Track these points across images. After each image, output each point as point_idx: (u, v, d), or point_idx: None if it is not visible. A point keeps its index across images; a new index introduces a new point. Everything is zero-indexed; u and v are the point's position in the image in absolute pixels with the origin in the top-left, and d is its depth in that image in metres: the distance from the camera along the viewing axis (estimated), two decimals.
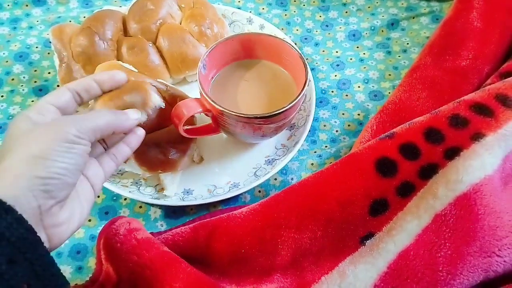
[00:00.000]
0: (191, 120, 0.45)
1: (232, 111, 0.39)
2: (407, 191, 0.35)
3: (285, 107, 0.39)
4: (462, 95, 0.44)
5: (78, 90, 0.34)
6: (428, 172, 0.35)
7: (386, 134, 0.37)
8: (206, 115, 0.43)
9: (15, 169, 0.27)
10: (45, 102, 0.31)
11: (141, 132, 0.37)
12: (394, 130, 0.37)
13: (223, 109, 0.40)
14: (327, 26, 0.58)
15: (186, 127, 0.42)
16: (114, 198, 0.44)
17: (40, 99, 0.32)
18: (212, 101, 0.40)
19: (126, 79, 0.38)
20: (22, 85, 0.51)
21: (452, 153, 0.35)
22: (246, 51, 0.46)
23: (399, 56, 0.55)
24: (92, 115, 0.32)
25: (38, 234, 0.26)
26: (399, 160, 0.35)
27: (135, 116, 0.36)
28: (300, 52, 0.44)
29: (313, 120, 0.47)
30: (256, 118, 0.40)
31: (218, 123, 0.43)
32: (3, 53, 0.54)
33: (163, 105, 0.41)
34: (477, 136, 0.35)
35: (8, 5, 0.59)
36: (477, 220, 0.32)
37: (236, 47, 0.45)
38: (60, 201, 0.28)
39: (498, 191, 0.34)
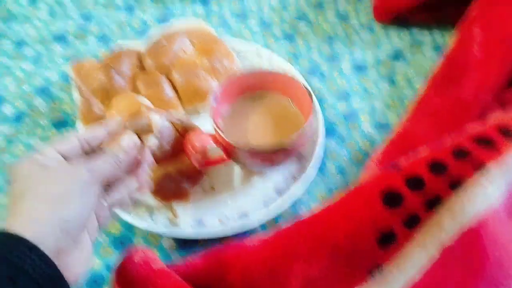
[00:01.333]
0: (203, 152, 0.47)
1: (242, 144, 0.41)
2: (413, 222, 0.36)
3: (292, 138, 0.41)
4: (466, 125, 0.45)
5: (88, 139, 0.35)
6: (434, 203, 0.36)
7: (391, 166, 0.38)
8: (218, 146, 0.45)
9: (37, 209, 0.28)
10: (52, 149, 0.32)
11: (149, 163, 0.37)
12: (399, 162, 0.39)
13: (233, 142, 0.41)
14: (332, 58, 0.61)
15: (198, 158, 0.44)
16: (128, 227, 0.45)
17: (48, 145, 0.33)
18: (223, 134, 0.42)
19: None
20: (42, 118, 0.54)
21: (456, 184, 0.36)
22: (255, 85, 0.48)
23: (404, 87, 0.57)
24: (99, 161, 0.32)
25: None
26: (405, 191, 0.36)
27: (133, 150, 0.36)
28: (307, 86, 0.46)
29: (321, 151, 0.49)
30: (263, 151, 0.42)
31: (229, 153, 0.45)
32: (26, 87, 0.57)
33: (166, 124, 0.42)
34: (480, 168, 0.36)
35: (32, 42, 0.62)
36: (484, 252, 0.33)
37: (246, 81, 0.47)
38: (76, 241, 0.30)
39: (504, 222, 0.35)
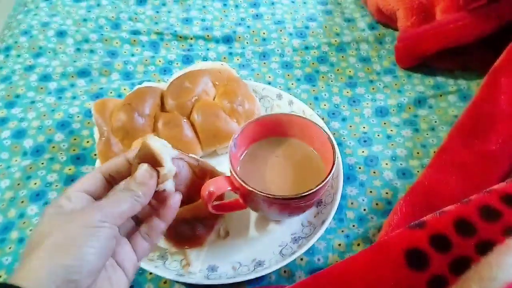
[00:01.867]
0: (220, 196, 0.46)
1: (261, 191, 0.40)
2: (439, 286, 0.34)
3: (312, 189, 0.40)
4: (493, 180, 0.43)
5: (111, 172, 0.34)
6: (460, 266, 0.34)
7: (416, 223, 0.37)
8: (235, 192, 0.44)
9: (38, 258, 0.27)
10: (74, 190, 0.32)
11: (175, 202, 0.36)
12: (425, 219, 0.37)
13: (251, 189, 0.41)
14: (354, 102, 0.60)
15: (215, 203, 0.43)
16: (140, 272, 0.44)
17: (70, 186, 0.32)
18: (241, 180, 0.41)
19: None
20: (61, 153, 0.54)
21: (485, 247, 0.34)
22: (275, 129, 0.47)
23: (427, 134, 0.55)
24: (115, 200, 0.32)
25: None
26: (430, 252, 0.34)
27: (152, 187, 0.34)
28: (328, 132, 0.45)
29: (340, 198, 0.47)
30: (284, 199, 0.40)
31: (246, 200, 0.44)
32: (48, 122, 0.57)
33: (182, 165, 0.41)
34: (511, 231, 0.34)
35: (56, 76, 0.63)
36: None
37: (266, 125, 0.47)
38: (89, 286, 0.29)
39: None
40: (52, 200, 0.32)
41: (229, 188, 0.42)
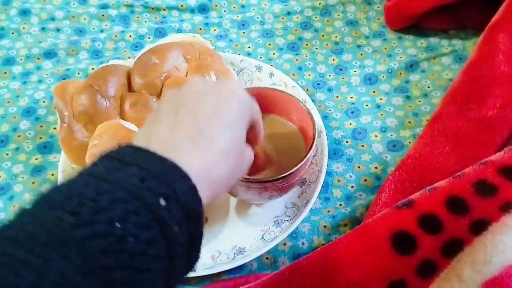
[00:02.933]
0: None
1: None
2: (428, 271, 0.30)
3: (289, 170, 0.36)
4: (490, 149, 0.39)
5: None
6: (452, 248, 0.30)
7: (404, 202, 0.33)
8: None
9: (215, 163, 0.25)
10: None
11: None
12: (413, 197, 0.34)
13: None
14: (341, 70, 0.56)
15: None
16: None
17: None
18: None
19: None
20: (27, 142, 0.50)
21: (479, 226, 0.30)
22: None
23: (420, 101, 0.51)
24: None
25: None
26: (419, 234, 0.31)
27: None
28: (309, 107, 0.41)
29: (326, 175, 0.44)
30: (260, 182, 0.37)
31: None
32: (12, 109, 0.53)
33: None
34: (508, 206, 0.31)
35: (21, 59, 0.59)
36: None
37: None
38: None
39: None
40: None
41: None
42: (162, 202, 0.21)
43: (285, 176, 0.37)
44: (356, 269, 0.31)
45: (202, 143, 0.25)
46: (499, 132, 0.41)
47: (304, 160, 0.37)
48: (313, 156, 0.46)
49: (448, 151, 0.41)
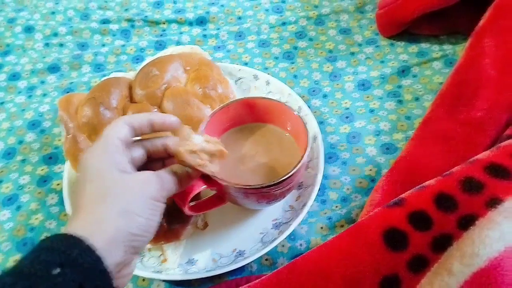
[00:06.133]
0: (196, 195, 0.43)
1: (234, 184, 0.38)
2: (419, 265, 0.32)
3: (284, 176, 0.38)
4: (479, 149, 0.41)
5: (134, 126, 0.34)
6: (442, 244, 0.32)
7: (395, 201, 0.35)
8: (211, 189, 0.41)
9: (105, 214, 0.28)
10: (117, 138, 0.32)
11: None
12: (403, 195, 0.35)
13: (224, 183, 0.38)
14: (335, 76, 0.57)
15: (191, 204, 0.41)
16: None
17: (108, 129, 0.32)
18: (214, 176, 0.39)
19: (179, 122, 0.37)
20: (33, 154, 0.52)
21: (467, 222, 0.32)
22: (246, 115, 0.45)
23: (412, 105, 0.53)
24: (170, 177, 0.33)
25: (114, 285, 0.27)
26: (409, 231, 0.33)
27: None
28: (301, 116, 0.43)
29: (322, 178, 0.45)
30: (257, 188, 0.38)
31: (222, 193, 0.42)
32: (18, 122, 0.55)
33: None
34: (494, 202, 0.32)
35: (26, 74, 0.61)
36: None
37: (235, 112, 0.44)
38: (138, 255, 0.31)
39: None
40: (101, 144, 0.32)
41: (204, 186, 0.40)
42: (56, 270, 0.24)
43: (280, 182, 0.38)
44: (351, 265, 0.32)
45: (98, 208, 0.28)
46: (488, 133, 0.43)
47: (298, 166, 0.39)
48: (309, 160, 0.47)
49: (438, 152, 0.42)
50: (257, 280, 0.35)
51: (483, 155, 0.36)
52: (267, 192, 0.40)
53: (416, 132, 0.46)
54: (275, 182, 0.38)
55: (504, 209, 0.32)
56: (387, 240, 0.33)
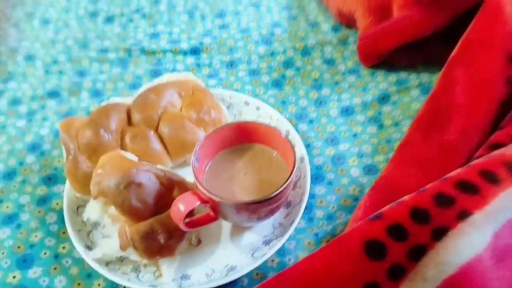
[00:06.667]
0: (190, 212, 0.46)
1: (227, 200, 0.41)
2: (398, 274, 0.35)
3: (273, 192, 0.41)
4: (453, 170, 0.44)
5: None
6: (417, 253, 0.35)
7: (375, 215, 0.38)
8: (205, 205, 0.44)
9: None
10: None
11: None
12: (382, 210, 0.38)
13: (218, 199, 0.41)
14: (320, 103, 0.61)
15: (186, 220, 0.43)
16: (114, 286, 0.45)
17: None
18: (207, 191, 0.42)
19: None
20: (33, 175, 0.54)
21: (440, 233, 0.35)
22: (237, 137, 0.48)
23: (391, 130, 0.57)
24: None
25: None
26: (388, 242, 0.35)
27: None
28: (288, 137, 0.46)
29: (309, 197, 0.48)
30: (249, 204, 0.41)
31: (216, 211, 0.45)
32: (18, 145, 0.58)
33: (150, 177, 0.44)
34: (464, 215, 0.35)
35: (27, 99, 0.64)
36: None
37: (227, 134, 0.48)
38: None
39: (490, 271, 0.34)
40: None
41: (198, 202, 0.43)
42: None
43: (269, 199, 0.41)
44: (335, 274, 0.35)
45: None
46: (460, 155, 0.46)
47: (286, 184, 0.42)
48: (297, 180, 0.50)
49: (415, 172, 0.46)
50: None
51: (455, 172, 0.40)
52: (257, 208, 0.42)
53: (395, 154, 0.50)
54: (265, 199, 0.41)
55: (473, 221, 0.35)
56: (367, 251, 0.35)
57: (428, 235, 0.35)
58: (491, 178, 0.38)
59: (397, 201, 0.38)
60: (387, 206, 0.38)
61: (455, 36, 0.58)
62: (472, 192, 0.37)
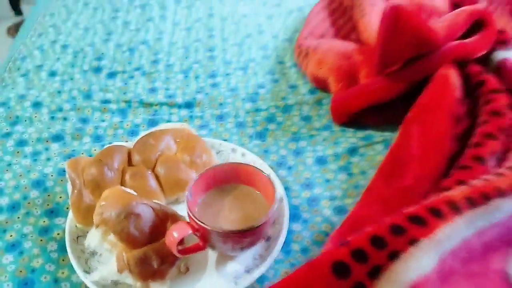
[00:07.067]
0: (181, 240, 0.51)
1: (216, 228, 0.48)
2: None
3: (256, 224, 0.48)
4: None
5: None
6: (376, 273, 0.41)
7: (342, 243, 0.45)
8: (195, 235, 0.50)
9: None
10: None
11: None
12: (348, 238, 0.45)
13: (208, 227, 0.48)
14: (298, 153, 0.70)
15: (178, 248, 0.49)
16: None
17: None
18: (199, 220, 0.48)
19: None
20: (36, 208, 0.59)
21: (394, 256, 0.42)
22: (226, 178, 0.56)
23: (359, 177, 0.65)
24: None
25: None
26: (352, 263, 0.42)
27: None
28: (270, 176, 0.54)
29: (287, 233, 0.55)
30: (234, 232, 0.48)
31: (204, 240, 0.51)
32: (23, 181, 0.63)
33: (147, 209, 0.51)
34: (413, 241, 0.43)
35: (32, 141, 0.70)
36: None
37: (217, 174, 0.55)
38: None
39: (436, 286, 0.41)
40: None
41: (190, 231, 0.49)
42: None
43: (253, 228, 0.48)
44: None
45: None
46: (415, 197, 0.54)
47: (268, 216, 0.49)
48: (276, 218, 0.57)
49: (376, 211, 0.53)
50: None
51: (407, 209, 0.47)
52: (241, 238, 0.49)
53: (362, 196, 0.57)
54: (248, 228, 0.48)
55: (422, 247, 0.42)
56: (335, 271, 0.42)
57: (384, 258, 0.42)
58: (436, 213, 0.46)
59: (360, 231, 0.46)
60: (352, 236, 0.45)
61: (412, 100, 0.68)
62: (421, 223, 0.45)
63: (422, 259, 0.42)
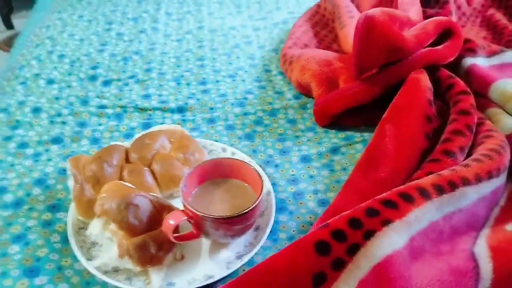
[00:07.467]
0: (176, 228, 0.56)
1: (209, 215, 0.52)
2: (339, 265, 0.46)
3: (244, 210, 0.52)
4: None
5: None
6: (353, 250, 0.46)
7: (323, 225, 0.50)
8: (189, 222, 0.55)
9: None
10: None
11: None
12: (328, 221, 0.50)
13: (201, 214, 0.52)
14: (284, 152, 0.75)
15: (175, 234, 0.54)
16: None
17: None
18: (193, 208, 0.53)
19: None
20: (39, 204, 0.63)
21: (369, 235, 0.47)
22: (217, 172, 0.60)
23: (340, 173, 0.70)
24: None
25: None
26: (332, 242, 0.47)
27: None
28: (258, 170, 0.59)
29: (274, 223, 0.60)
30: (225, 218, 0.52)
31: (198, 227, 0.55)
32: (26, 180, 0.67)
33: (145, 201, 0.56)
34: (386, 222, 0.48)
35: (33, 144, 0.74)
36: (390, 282, 0.43)
37: (209, 169, 0.60)
38: None
39: (407, 262, 0.46)
40: None
41: (185, 218, 0.54)
42: None
43: (242, 214, 0.53)
44: (292, 267, 0.45)
45: None
46: (390, 188, 0.60)
47: (255, 204, 0.53)
48: (264, 210, 0.62)
49: (354, 201, 0.58)
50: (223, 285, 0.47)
51: (381, 195, 0.53)
52: (231, 224, 0.53)
53: (341, 189, 0.63)
54: (238, 214, 0.52)
55: (394, 227, 0.48)
56: (317, 249, 0.46)
57: (361, 237, 0.47)
58: (407, 198, 0.51)
59: (339, 215, 0.51)
60: (332, 219, 0.50)
61: (388, 103, 0.74)
62: (393, 207, 0.50)
63: (394, 237, 0.47)
